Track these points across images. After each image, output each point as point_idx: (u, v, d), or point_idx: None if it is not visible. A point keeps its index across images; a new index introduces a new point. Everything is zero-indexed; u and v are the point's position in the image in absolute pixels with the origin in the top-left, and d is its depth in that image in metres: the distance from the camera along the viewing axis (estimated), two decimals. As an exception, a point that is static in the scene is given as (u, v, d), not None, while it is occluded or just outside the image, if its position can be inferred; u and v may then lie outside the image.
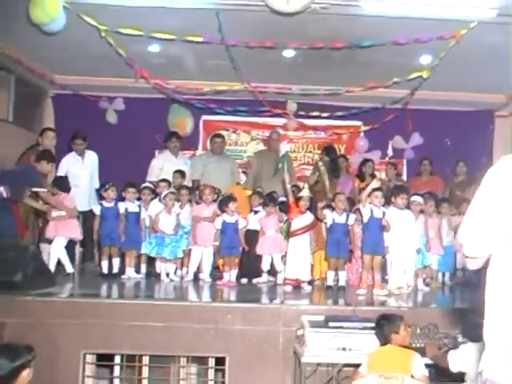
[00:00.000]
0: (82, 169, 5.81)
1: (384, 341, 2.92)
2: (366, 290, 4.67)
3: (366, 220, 4.74)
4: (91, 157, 5.92)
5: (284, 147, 5.75)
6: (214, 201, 5.24)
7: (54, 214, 5.00)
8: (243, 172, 7.28)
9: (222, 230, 4.97)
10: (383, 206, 4.81)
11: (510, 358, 1.34)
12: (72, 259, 5.24)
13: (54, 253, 5.00)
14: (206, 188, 5.33)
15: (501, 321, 1.37)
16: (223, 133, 7.33)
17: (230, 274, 4.97)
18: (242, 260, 5.23)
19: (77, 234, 5.20)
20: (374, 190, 4.75)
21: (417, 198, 5.16)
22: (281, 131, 7.32)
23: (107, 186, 5.16)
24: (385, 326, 2.93)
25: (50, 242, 5.10)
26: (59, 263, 5.07)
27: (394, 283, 4.65)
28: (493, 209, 1.36)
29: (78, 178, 5.66)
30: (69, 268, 5.10)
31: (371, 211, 4.70)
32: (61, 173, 5.67)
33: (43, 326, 3.65)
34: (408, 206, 4.95)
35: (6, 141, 6.21)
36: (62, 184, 5.20)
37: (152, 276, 5.18)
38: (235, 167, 6.61)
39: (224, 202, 5.08)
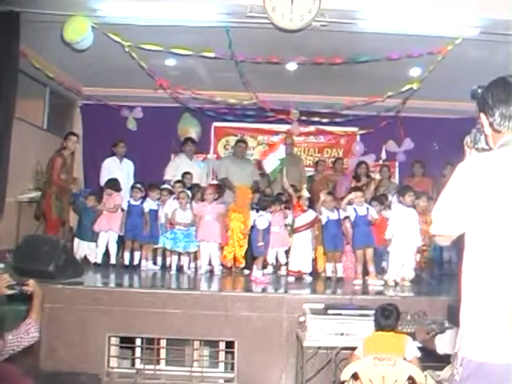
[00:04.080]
0: (119, 169, 5.96)
1: (391, 329, 2.87)
2: (361, 280, 4.67)
3: (352, 219, 4.77)
4: (128, 163, 6.12)
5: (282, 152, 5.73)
6: (215, 199, 5.20)
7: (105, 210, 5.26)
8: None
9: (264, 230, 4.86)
10: (370, 204, 4.92)
11: (485, 336, 1.35)
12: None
13: (102, 244, 5.22)
14: (208, 187, 5.31)
15: (474, 303, 1.38)
16: (232, 138, 7.36)
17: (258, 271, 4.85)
18: (247, 253, 5.25)
19: (117, 228, 5.27)
20: (355, 190, 4.78)
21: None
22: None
23: (136, 187, 5.31)
24: (391, 315, 2.88)
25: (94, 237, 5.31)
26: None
27: (391, 275, 4.64)
28: (461, 197, 1.40)
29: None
30: (112, 259, 5.25)
31: (355, 210, 4.72)
32: (103, 173, 5.86)
33: (73, 311, 3.70)
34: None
35: (40, 146, 6.32)
36: (114, 185, 5.42)
37: (165, 268, 5.22)
38: (255, 169, 6.65)
39: (269, 203, 4.98)
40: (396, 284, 4.56)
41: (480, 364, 1.34)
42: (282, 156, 5.39)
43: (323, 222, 4.96)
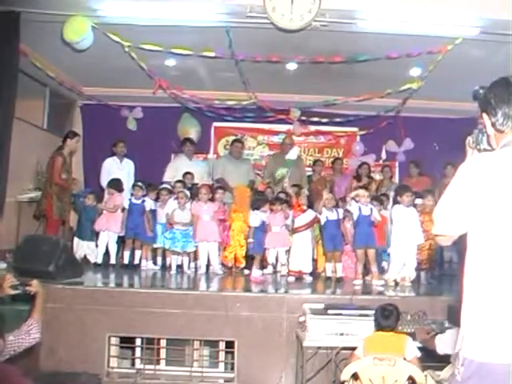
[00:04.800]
0: (119, 169, 5.96)
1: (391, 329, 2.87)
2: (361, 280, 4.67)
3: (355, 218, 4.76)
4: (129, 163, 6.12)
5: (291, 154, 5.73)
6: (210, 199, 5.17)
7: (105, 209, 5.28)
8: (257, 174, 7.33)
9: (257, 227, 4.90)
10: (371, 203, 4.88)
11: (486, 336, 1.35)
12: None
13: (102, 244, 5.21)
14: (202, 187, 5.29)
15: (476, 303, 1.39)
16: (232, 138, 7.35)
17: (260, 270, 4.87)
18: (247, 253, 5.26)
19: (117, 228, 5.26)
20: (360, 189, 4.77)
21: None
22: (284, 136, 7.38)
23: (138, 185, 5.29)
24: (391, 316, 2.88)
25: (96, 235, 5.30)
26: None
27: (392, 275, 4.63)
28: (463, 197, 1.40)
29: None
30: (112, 259, 5.24)
31: (359, 209, 4.72)
32: (104, 173, 5.85)
33: (73, 311, 3.70)
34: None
35: (40, 146, 6.33)
36: (116, 185, 5.40)
37: (165, 268, 5.21)
38: (251, 169, 6.65)
39: (261, 201, 4.99)
40: (396, 284, 4.56)
41: (482, 364, 1.34)
42: (289, 158, 5.42)
43: (322, 222, 4.95)
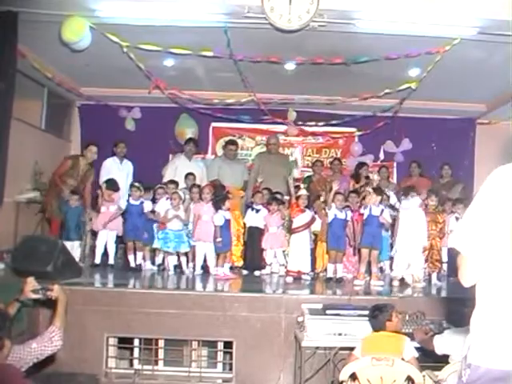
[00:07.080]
0: (119, 170, 5.93)
1: (379, 328, 2.90)
2: (362, 280, 4.67)
3: (365, 217, 4.75)
4: (128, 164, 6.09)
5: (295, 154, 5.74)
6: (212, 199, 5.13)
7: (102, 209, 5.22)
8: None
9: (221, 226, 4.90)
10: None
11: (494, 344, 1.36)
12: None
13: (101, 244, 5.19)
14: (205, 187, 5.26)
15: (488, 312, 1.39)
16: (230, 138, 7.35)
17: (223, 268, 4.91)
18: (246, 254, 5.24)
19: (118, 228, 5.23)
20: (374, 192, 4.76)
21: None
22: (283, 137, 7.38)
23: (135, 186, 5.23)
24: (379, 315, 2.92)
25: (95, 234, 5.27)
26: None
27: (397, 273, 4.63)
28: (489, 212, 1.36)
29: (116, 179, 5.72)
30: (111, 259, 5.22)
31: (370, 209, 4.71)
32: (103, 173, 5.81)
33: (72, 312, 3.67)
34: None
35: (38, 146, 6.32)
36: (113, 186, 5.36)
37: (163, 268, 5.18)
38: (245, 169, 6.62)
39: (221, 200, 5.00)
40: (401, 284, 4.56)
41: (488, 370, 1.35)
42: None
43: (330, 219, 4.87)
